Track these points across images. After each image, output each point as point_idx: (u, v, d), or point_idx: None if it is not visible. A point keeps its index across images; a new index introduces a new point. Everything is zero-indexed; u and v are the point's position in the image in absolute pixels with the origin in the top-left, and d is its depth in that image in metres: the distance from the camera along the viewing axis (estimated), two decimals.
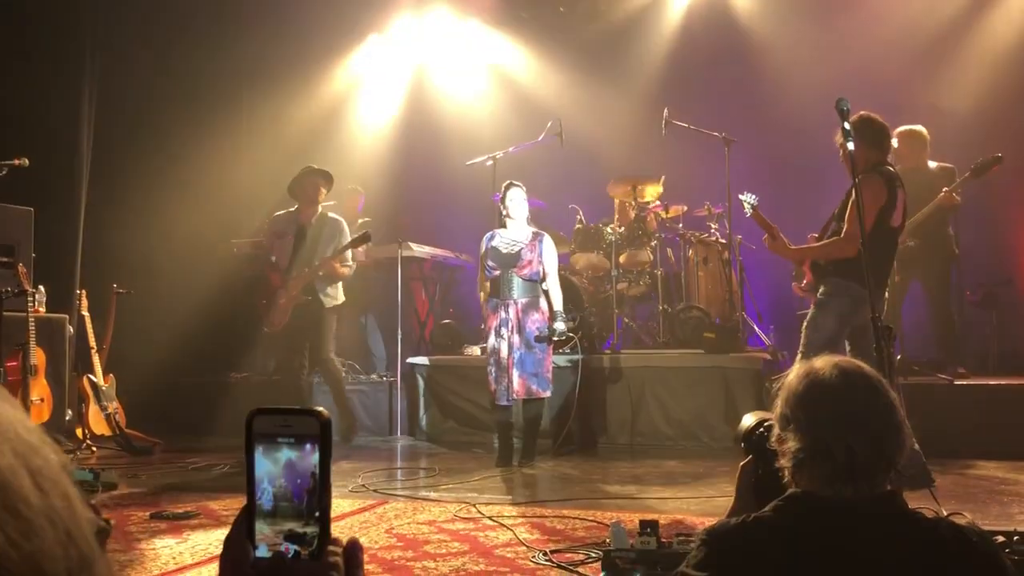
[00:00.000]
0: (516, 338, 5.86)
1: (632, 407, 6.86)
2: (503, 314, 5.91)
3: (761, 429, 1.96)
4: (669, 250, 8.23)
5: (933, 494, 4.02)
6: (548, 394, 6.01)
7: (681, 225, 8.09)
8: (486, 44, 10.06)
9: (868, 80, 8.03)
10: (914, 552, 1.53)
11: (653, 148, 8.91)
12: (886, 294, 5.03)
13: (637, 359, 7.08)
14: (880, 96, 7.75)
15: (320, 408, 0.77)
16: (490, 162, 7.78)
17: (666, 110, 7.84)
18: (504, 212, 6.09)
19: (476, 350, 7.61)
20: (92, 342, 6.32)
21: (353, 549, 0.77)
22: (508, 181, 6.20)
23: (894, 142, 6.52)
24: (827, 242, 4.96)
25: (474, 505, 4.59)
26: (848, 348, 4.99)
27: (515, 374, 5.83)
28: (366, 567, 3.56)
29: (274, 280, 6.71)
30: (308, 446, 0.74)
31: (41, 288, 6.26)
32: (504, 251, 5.99)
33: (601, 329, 7.58)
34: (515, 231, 6.06)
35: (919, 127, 6.69)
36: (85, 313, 6.45)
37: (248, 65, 9.47)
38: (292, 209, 6.85)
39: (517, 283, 5.92)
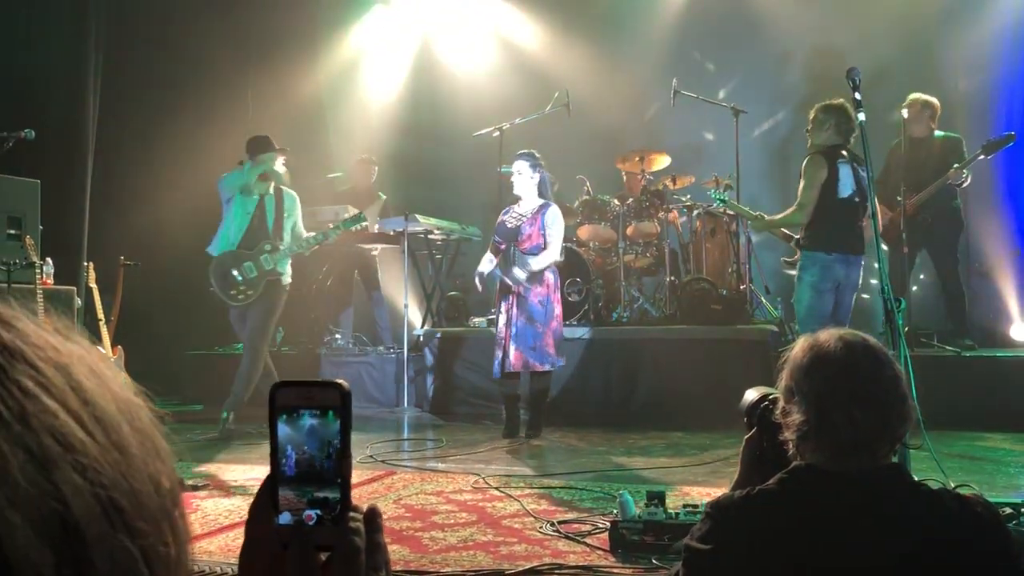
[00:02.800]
0: (516, 311, 5.82)
1: (638, 379, 6.87)
2: (505, 287, 5.93)
3: (765, 402, 1.96)
4: (677, 221, 8.20)
5: (939, 464, 4.03)
6: (547, 368, 5.88)
7: (689, 196, 8.05)
8: (492, 14, 9.96)
9: (877, 50, 7.95)
10: (919, 523, 1.54)
11: (661, 119, 8.86)
12: (863, 260, 5.47)
13: (644, 331, 7.08)
14: (890, 65, 7.71)
15: (341, 380, 0.78)
16: (497, 133, 7.74)
17: (675, 80, 7.79)
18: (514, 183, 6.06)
19: (482, 322, 7.62)
20: (100, 314, 6.34)
21: (373, 514, 0.79)
22: (516, 153, 6.15)
23: (904, 112, 6.53)
24: (782, 215, 5.58)
25: (482, 476, 4.62)
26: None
27: (512, 347, 5.79)
28: None
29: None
30: (330, 415, 0.77)
31: (49, 260, 6.27)
32: (509, 226, 5.97)
33: (608, 301, 7.58)
34: (524, 205, 6.03)
35: (931, 97, 6.64)
36: (93, 285, 6.45)
37: (254, 37, 9.41)
38: (239, 172, 6.21)
39: (519, 256, 5.90)
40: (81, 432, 0.51)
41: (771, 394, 2.02)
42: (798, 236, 5.51)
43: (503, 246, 5.98)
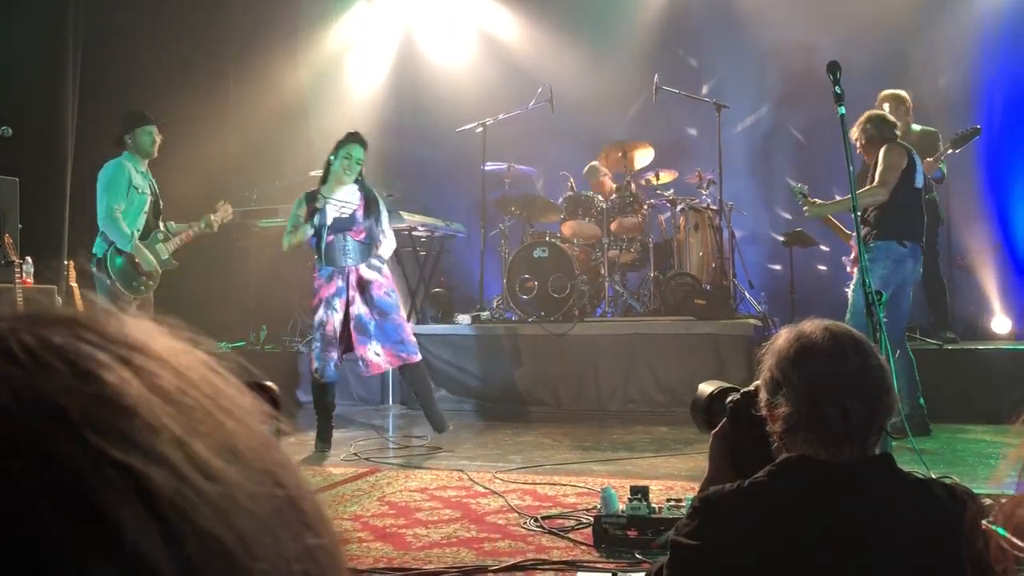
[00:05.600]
0: (365, 308, 5.41)
1: (623, 374, 6.87)
2: (339, 283, 5.42)
3: (736, 395, 1.93)
4: (660, 217, 8.22)
5: (920, 456, 4.05)
6: (418, 357, 5.61)
7: (672, 191, 8.06)
8: (476, 9, 9.92)
9: (857, 46, 7.98)
10: (910, 512, 1.54)
11: (644, 114, 8.87)
12: (921, 254, 5.53)
13: (628, 326, 7.08)
14: (871, 60, 7.74)
15: (268, 382, 0.65)
16: (480, 129, 7.72)
17: (656, 76, 7.81)
18: (341, 169, 5.46)
19: (467, 319, 7.60)
20: None
21: None
22: (348, 133, 5.57)
23: (886, 107, 6.56)
24: (862, 190, 5.17)
25: (465, 472, 4.61)
26: None
27: (376, 346, 5.41)
28: (358, 535, 3.58)
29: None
30: None
31: (28, 259, 6.21)
32: (337, 215, 5.44)
33: (592, 296, 7.58)
34: (345, 192, 5.49)
35: (901, 92, 6.65)
36: (74, 284, 6.40)
37: (235, 31, 9.35)
38: (130, 156, 6.11)
39: (354, 247, 5.44)
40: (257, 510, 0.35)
41: (726, 387, 1.99)
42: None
43: (331, 237, 5.42)
